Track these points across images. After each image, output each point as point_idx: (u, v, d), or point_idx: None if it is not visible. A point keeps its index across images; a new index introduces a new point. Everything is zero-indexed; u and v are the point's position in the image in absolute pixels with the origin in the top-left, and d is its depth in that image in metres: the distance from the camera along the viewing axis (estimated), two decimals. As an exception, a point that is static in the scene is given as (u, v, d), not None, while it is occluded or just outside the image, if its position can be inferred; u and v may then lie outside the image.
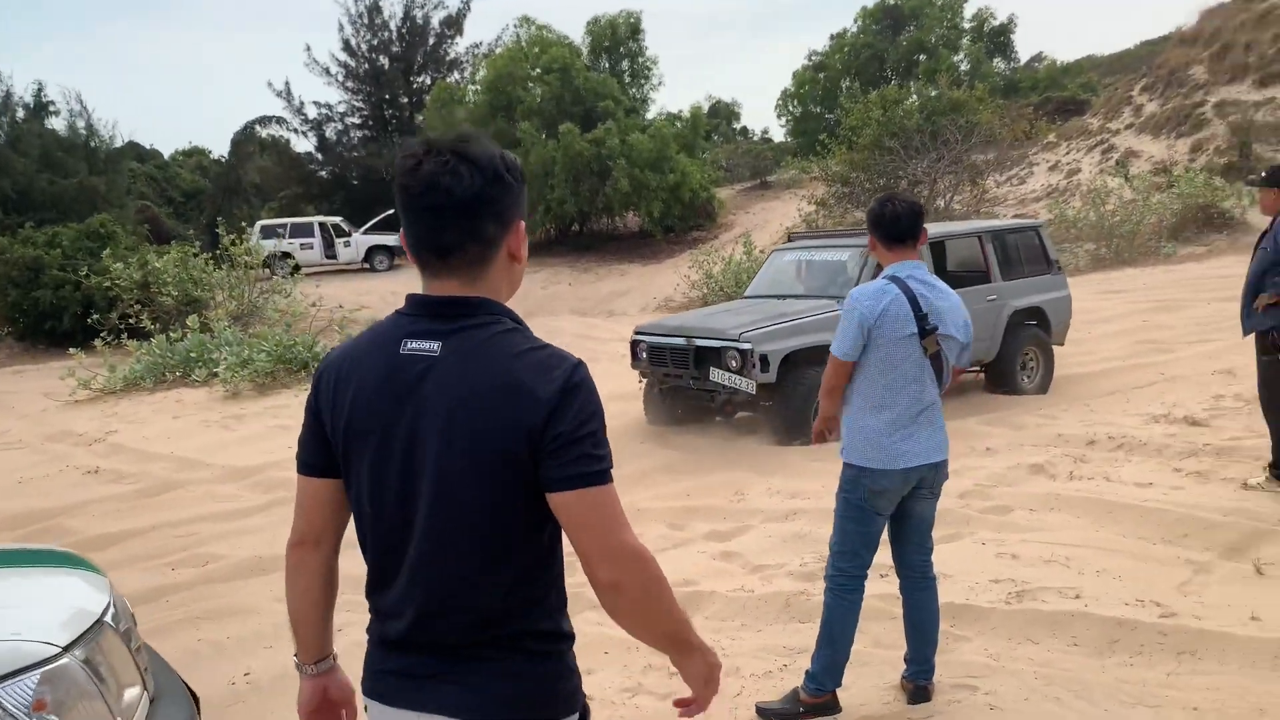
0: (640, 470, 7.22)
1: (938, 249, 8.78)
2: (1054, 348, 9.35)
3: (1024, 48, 77.04)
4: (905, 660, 3.47)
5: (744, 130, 63.65)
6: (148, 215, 36.72)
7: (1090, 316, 12.66)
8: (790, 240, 9.39)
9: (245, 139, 40.51)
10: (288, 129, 39.22)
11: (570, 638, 1.65)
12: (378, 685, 1.63)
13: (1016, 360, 8.96)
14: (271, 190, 39.43)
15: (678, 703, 1.72)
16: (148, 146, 44.32)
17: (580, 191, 29.51)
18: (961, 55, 46.49)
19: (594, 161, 29.08)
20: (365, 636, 1.68)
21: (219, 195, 40.30)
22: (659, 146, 29.59)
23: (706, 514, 5.93)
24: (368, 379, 1.57)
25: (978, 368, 9.12)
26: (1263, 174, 5.21)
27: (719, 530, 5.56)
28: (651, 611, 1.54)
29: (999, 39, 49.25)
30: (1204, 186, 19.50)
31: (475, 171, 1.51)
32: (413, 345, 1.54)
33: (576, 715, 1.62)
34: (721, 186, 42.57)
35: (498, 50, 35.23)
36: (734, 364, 7.40)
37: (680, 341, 7.87)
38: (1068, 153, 28.79)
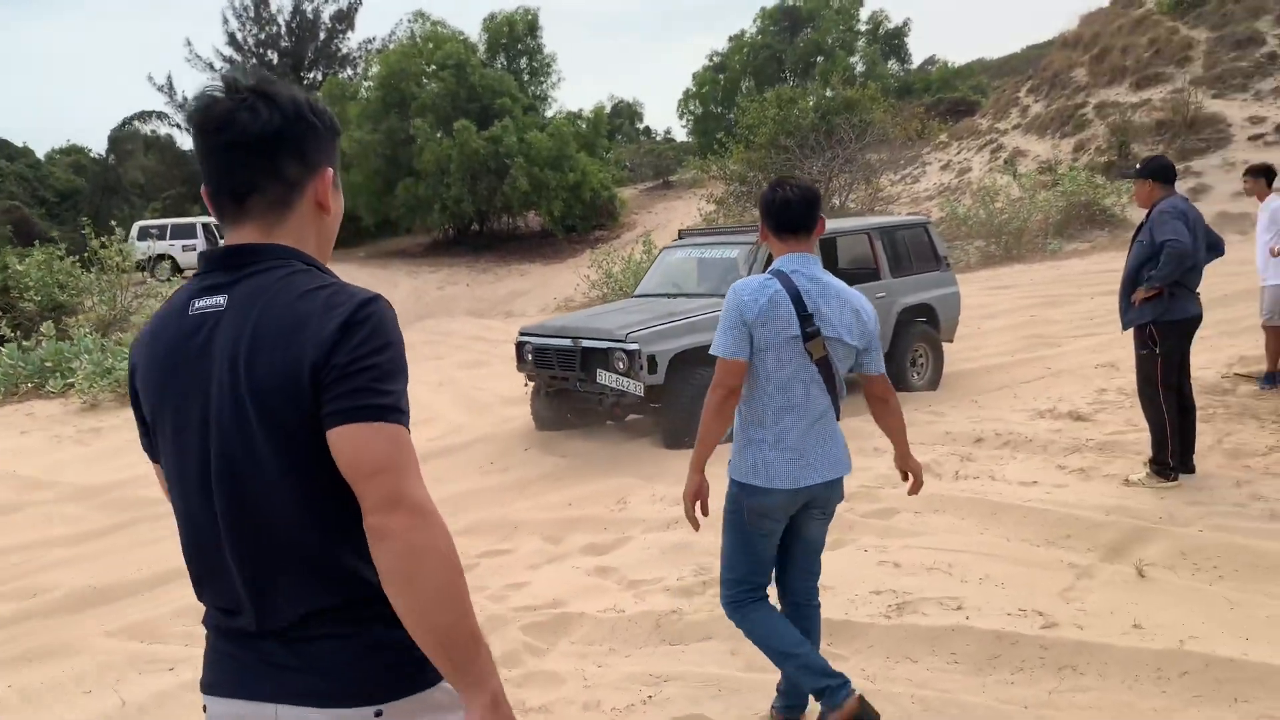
0: (523, 478, 6.87)
1: (828, 246, 8.65)
2: (944, 344, 9.33)
3: (918, 51, 79.02)
4: (778, 689, 3.20)
5: (647, 130, 63.76)
6: (15, 216, 34.65)
7: (979, 312, 12.80)
8: (681, 238, 9.14)
9: (125, 136, 38.68)
10: (170, 124, 37.63)
11: None
12: (216, 678, 1.49)
13: (906, 357, 8.89)
14: (155, 190, 37.68)
15: None
16: (19, 145, 41.85)
17: (478, 190, 28.93)
18: (857, 57, 47.32)
19: (491, 159, 28.54)
20: None
21: (96, 195, 38.35)
22: (558, 145, 29.22)
23: (586, 525, 5.61)
24: (160, 351, 1.47)
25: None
26: (1136, 165, 5.15)
27: (597, 543, 5.24)
28: (420, 579, 1.29)
29: (894, 41, 50.38)
30: (1086, 184, 20.06)
31: (274, 108, 1.42)
32: (200, 304, 1.44)
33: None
34: (625, 186, 42.44)
35: (391, 46, 34.34)
36: (621, 365, 7.10)
37: (566, 343, 7.54)
38: (959, 152, 29.45)
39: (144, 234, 26.50)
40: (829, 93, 22.35)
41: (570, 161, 29.40)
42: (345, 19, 38.04)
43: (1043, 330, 11.26)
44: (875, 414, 3.17)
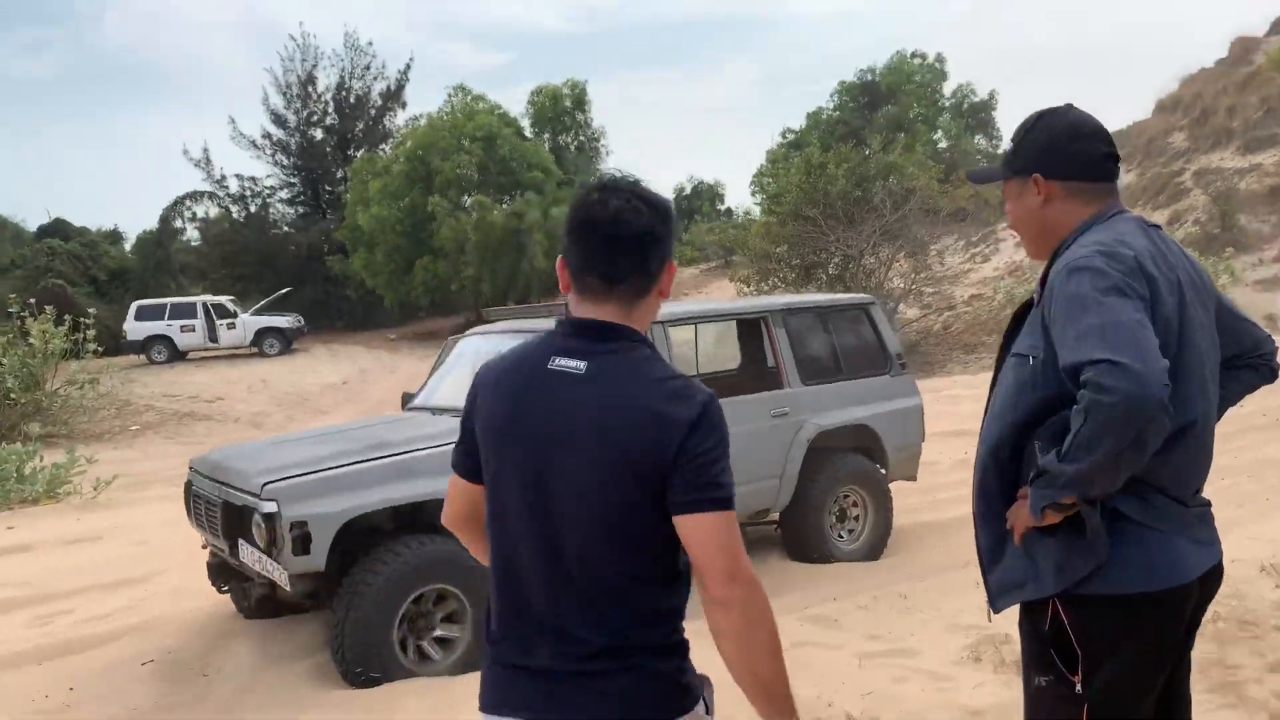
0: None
1: (689, 337, 5.73)
2: (893, 484, 6.20)
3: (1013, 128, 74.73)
4: None
5: (728, 211, 61.73)
6: (55, 294, 34.06)
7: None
8: (487, 320, 6.31)
9: (175, 214, 38.22)
10: (219, 203, 36.91)
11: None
12: (501, 699, 1.65)
13: (826, 508, 5.80)
14: (203, 269, 36.80)
15: None
16: (77, 225, 41.82)
17: (496, 270, 26.68)
18: (939, 133, 44.41)
19: (511, 237, 26.35)
20: None
21: (147, 274, 37.81)
22: (585, 221, 26.88)
23: None
24: (513, 390, 1.64)
25: (772, 521, 5.95)
26: (1008, 156, 2.07)
27: None
28: (754, 639, 1.54)
29: (979, 115, 47.20)
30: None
31: (650, 210, 1.62)
32: (560, 362, 1.61)
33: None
34: (691, 265, 40.04)
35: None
36: (259, 536, 4.25)
37: (211, 489, 4.75)
38: (1038, 228, 26.00)
39: (142, 313, 25.12)
40: (867, 152, 19.30)
41: (599, 238, 27.03)
42: (394, 97, 36.94)
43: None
44: None
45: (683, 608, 1.63)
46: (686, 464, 1.51)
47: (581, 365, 1.59)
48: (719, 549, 1.52)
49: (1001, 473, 1.90)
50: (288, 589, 4.24)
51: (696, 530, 1.52)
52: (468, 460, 1.74)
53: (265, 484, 4.21)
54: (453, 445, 4.43)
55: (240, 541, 4.43)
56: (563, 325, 1.66)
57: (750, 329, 6.17)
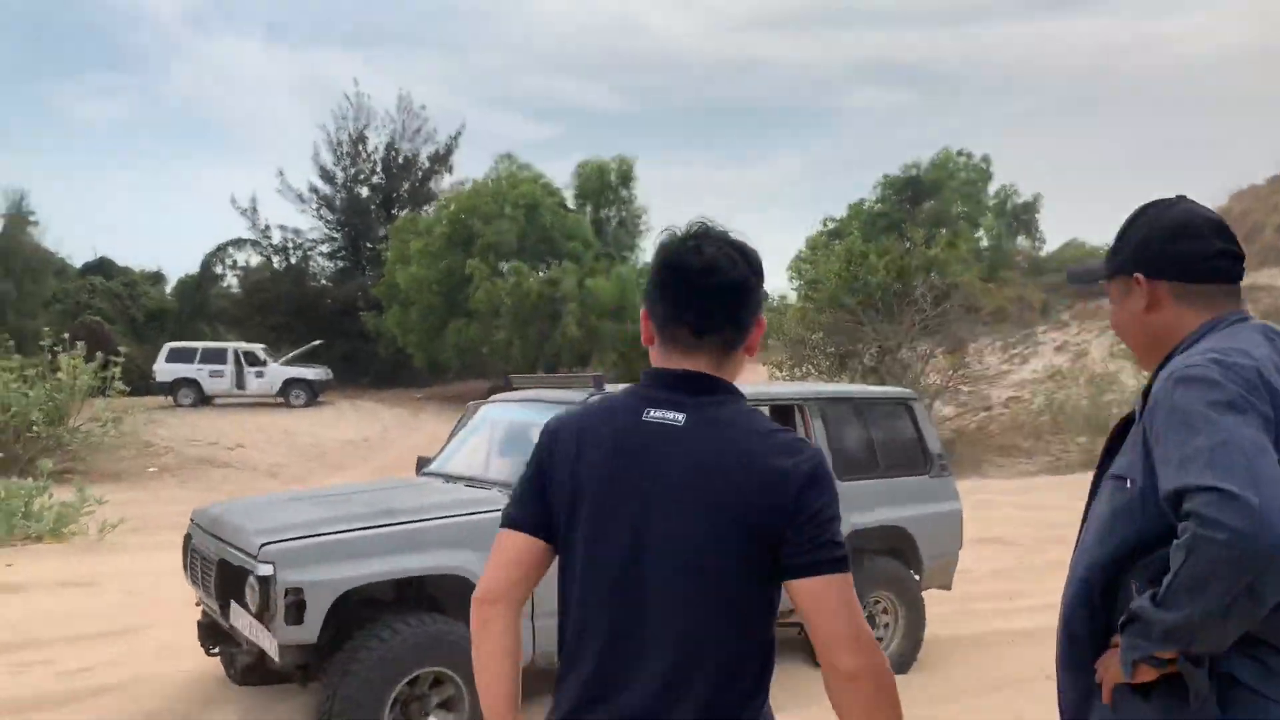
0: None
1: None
2: (927, 593, 5.85)
3: (1060, 234, 74.10)
4: None
5: (765, 295, 61.84)
6: (90, 329, 34.43)
7: (1051, 532, 9.28)
8: (511, 386, 6.08)
9: (216, 260, 38.79)
10: (260, 252, 37.44)
11: None
12: None
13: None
14: (239, 316, 37.15)
15: None
16: (121, 264, 42.37)
17: (528, 335, 26.62)
18: (981, 231, 44.38)
19: (546, 304, 26.34)
20: None
21: (184, 317, 38.18)
22: (619, 293, 26.84)
23: None
24: (604, 443, 1.53)
25: (795, 623, 5.59)
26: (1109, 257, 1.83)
27: None
28: (885, 707, 1.42)
29: (1023, 217, 47.20)
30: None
31: (745, 261, 1.55)
32: (655, 414, 1.52)
33: None
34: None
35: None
36: (251, 600, 3.99)
37: (209, 545, 4.51)
38: (1078, 333, 25.69)
39: (173, 355, 25.23)
40: (908, 244, 19.17)
41: (632, 312, 26.95)
42: (442, 160, 37.54)
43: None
44: None
45: (768, 693, 1.50)
46: (805, 522, 1.41)
47: (680, 417, 1.50)
48: (844, 614, 1.39)
49: (1092, 614, 1.63)
50: (276, 659, 3.96)
51: (818, 595, 1.40)
52: (536, 514, 1.57)
53: (263, 544, 3.96)
54: (464, 517, 4.18)
55: (233, 603, 4.16)
56: (650, 376, 1.57)
57: (784, 416, 5.91)
